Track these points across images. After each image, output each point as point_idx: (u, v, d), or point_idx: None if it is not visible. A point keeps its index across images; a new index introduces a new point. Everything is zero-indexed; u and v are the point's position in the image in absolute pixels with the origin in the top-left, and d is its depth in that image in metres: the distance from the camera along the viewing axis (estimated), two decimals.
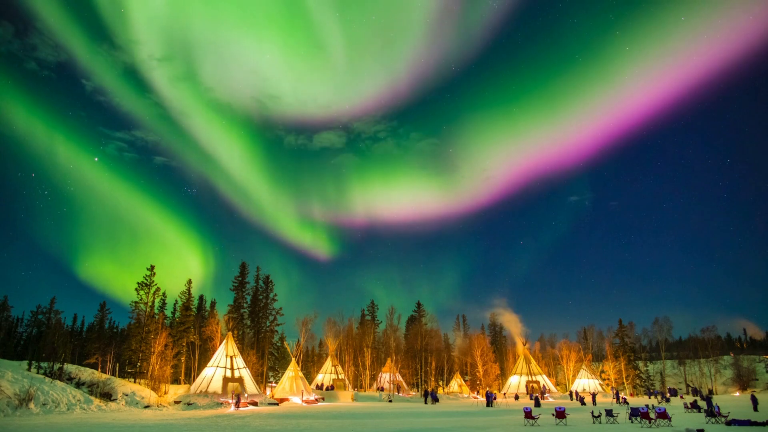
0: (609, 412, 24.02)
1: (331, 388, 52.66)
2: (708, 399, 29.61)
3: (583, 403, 43.20)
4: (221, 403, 34.04)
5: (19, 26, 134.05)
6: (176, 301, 50.47)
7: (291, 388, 42.83)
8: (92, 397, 30.60)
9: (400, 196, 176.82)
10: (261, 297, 53.56)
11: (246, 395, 36.55)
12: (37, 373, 31.90)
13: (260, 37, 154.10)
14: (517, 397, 55.11)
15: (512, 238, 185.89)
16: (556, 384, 69.38)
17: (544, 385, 59.77)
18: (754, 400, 29.97)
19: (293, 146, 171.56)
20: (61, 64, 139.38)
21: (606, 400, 52.49)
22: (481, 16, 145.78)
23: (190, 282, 49.82)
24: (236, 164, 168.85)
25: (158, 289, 42.11)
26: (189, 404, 33.69)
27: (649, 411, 22.13)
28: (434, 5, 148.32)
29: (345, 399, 47.39)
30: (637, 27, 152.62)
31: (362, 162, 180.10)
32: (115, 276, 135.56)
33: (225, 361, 38.48)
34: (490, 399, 41.69)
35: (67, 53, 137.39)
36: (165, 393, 37.07)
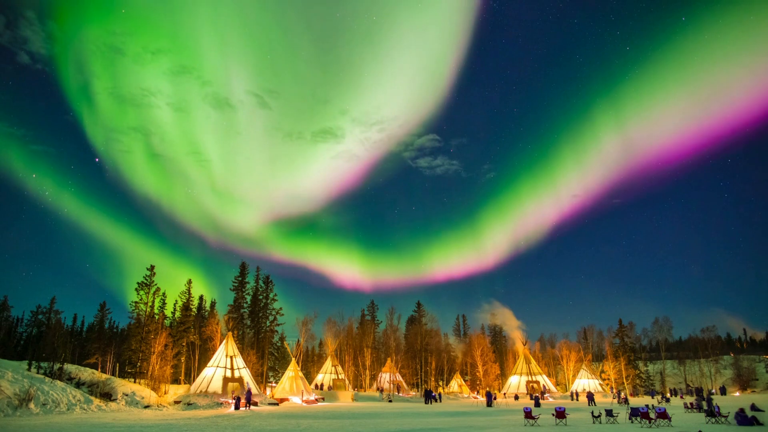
0: (609, 412, 24.01)
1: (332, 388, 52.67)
2: (708, 399, 29.56)
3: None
4: (221, 403, 34.04)
5: (10, 17, 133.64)
6: (176, 301, 50.51)
7: (291, 388, 42.81)
8: (92, 397, 30.59)
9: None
10: (261, 297, 53.55)
11: (247, 390, 36.46)
12: (37, 373, 31.89)
13: (260, 33, 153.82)
14: (517, 397, 55.12)
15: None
16: (556, 384, 69.40)
17: (544, 385, 59.78)
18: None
19: (293, 143, 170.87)
20: (54, 57, 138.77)
21: (607, 400, 52.51)
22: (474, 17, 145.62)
23: (190, 282, 49.87)
24: (236, 162, 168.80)
25: (158, 289, 42.17)
26: (189, 404, 33.68)
27: (649, 411, 22.12)
28: (430, 10, 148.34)
29: (345, 399, 47.39)
30: (639, 27, 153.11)
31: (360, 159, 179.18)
32: (115, 275, 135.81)
33: (225, 361, 38.48)
34: (490, 399, 41.71)
35: (60, 46, 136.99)
36: (165, 393, 37.06)
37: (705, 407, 28.23)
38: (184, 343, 46.47)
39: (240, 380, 38.17)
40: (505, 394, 59.84)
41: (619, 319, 71.24)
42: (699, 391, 51.29)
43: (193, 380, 41.48)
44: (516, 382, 61.89)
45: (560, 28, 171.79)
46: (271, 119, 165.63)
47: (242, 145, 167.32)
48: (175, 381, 45.23)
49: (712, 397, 36.46)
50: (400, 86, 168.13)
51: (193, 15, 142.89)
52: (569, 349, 71.02)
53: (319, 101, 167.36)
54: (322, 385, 53.20)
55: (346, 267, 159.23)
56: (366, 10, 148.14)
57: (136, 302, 40.79)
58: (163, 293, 46.71)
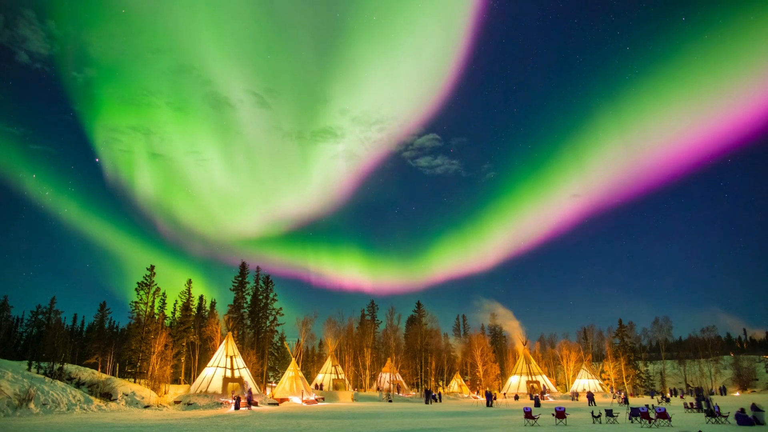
0: (609, 412, 24.02)
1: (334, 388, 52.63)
2: (707, 399, 29.59)
3: (592, 401, 43.09)
4: (221, 403, 34.04)
5: (9, 17, 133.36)
6: (176, 301, 50.52)
7: (291, 388, 42.83)
8: (92, 397, 30.60)
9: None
10: (261, 297, 53.55)
11: (248, 390, 36.47)
12: (37, 373, 31.90)
13: (260, 32, 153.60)
14: (517, 397, 55.14)
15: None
16: (556, 384, 69.41)
17: (544, 385, 59.78)
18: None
19: (292, 142, 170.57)
20: (53, 56, 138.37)
21: (607, 400, 52.52)
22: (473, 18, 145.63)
23: (190, 282, 49.85)
24: (235, 161, 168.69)
25: (158, 289, 42.17)
26: (189, 404, 33.68)
27: (649, 411, 22.13)
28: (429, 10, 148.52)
29: (345, 399, 47.40)
30: (639, 27, 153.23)
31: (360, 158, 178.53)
32: (115, 275, 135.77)
33: (225, 361, 38.48)
34: (489, 399, 41.71)
35: (60, 45, 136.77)
36: (165, 393, 37.06)
37: (705, 407, 28.22)
38: (184, 343, 46.47)
39: (240, 380, 38.18)
40: (505, 394, 59.83)
41: (619, 319, 71.39)
42: (699, 391, 51.30)
43: (193, 380, 41.48)
44: (516, 382, 61.87)
45: (560, 28, 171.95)
46: (270, 118, 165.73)
47: (242, 144, 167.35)
48: (175, 381, 45.24)
49: (711, 397, 36.50)
50: (400, 86, 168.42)
51: (192, 14, 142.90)
52: (569, 349, 71.04)
53: (319, 101, 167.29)
54: (322, 385, 53.19)
55: (346, 267, 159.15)
56: (366, 10, 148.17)
57: (136, 302, 40.81)
58: (163, 293, 46.76)
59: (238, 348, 41.55)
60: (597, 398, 51.14)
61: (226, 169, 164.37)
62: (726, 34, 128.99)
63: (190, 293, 49.31)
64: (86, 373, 35.94)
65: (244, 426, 20.60)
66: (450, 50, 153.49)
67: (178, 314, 49.70)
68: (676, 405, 39.93)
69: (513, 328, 72.34)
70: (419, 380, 63.00)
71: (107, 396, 32.39)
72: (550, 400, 54.13)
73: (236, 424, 21.69)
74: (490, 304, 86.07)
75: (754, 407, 21.48)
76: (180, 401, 34.61)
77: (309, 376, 63.32)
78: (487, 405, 41.16)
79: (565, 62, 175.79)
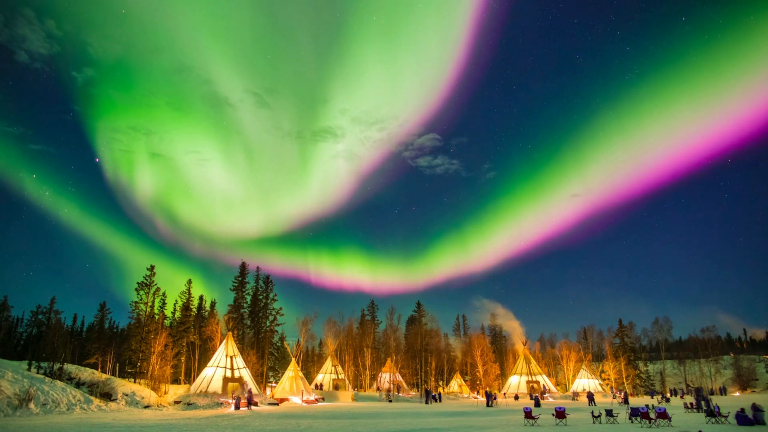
0: (609, 412, 24.02)
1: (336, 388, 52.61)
2: (707, 399, 29.60)
3: (592, 401, 43.07)
4: (221, 403, 34.04)
5: (8, 16, 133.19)
6: (176, 301, 50.52)
7: (291, 388, 42.83)
8: (92, 397, 30.59)
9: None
10: (261, 297, 53.56)
11: (248, 390, 36.45)
12: (37, 373, 31.90)
13: (259, 31, 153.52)
14: (517, 397, 55.14)
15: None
16: (556, 384, 69.40)
17: (544, 385, 59.78)
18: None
19: (292, 142, 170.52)
20: (53, 56, 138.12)
21: (607, 400, 52.51)
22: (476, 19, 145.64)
23: (190, 282, 49.85)
24: (234, 160, 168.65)
25: (158, 289, 42.17)
26: (189, 404, 33.67)
27: (649, 411, 22.13)
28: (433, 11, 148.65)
29: (345, 399, 47.39)
30: (639, 27, 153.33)
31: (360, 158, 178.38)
32: (115, 276, 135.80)
33: (225, 361, 38.48)
34: (489, 399, 41.70)
35: (60, 44, 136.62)
36: (165, 393, 37.06)
37: (705, 407, 28.23)
38: (184, 343, 46.47)
39: (240, 380, 38.18)
40: (505, 394, 59.82)
41: (619, 319, 71.39)
42: (699, 391, 51.24)
43: (193, 380, 41.48)
44: (516, 382, 61.87)
45: (560, 27, 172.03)
46: (270, 118, 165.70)
47: (242, 144, 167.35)
48: (175, 381, 45.23)
49: (711, 397, 36.49)
50: (400, 85, 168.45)
51: (192, 14, 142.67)
52: (569, 349, 71.04)
53: (319, 100, 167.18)
54: (322, 385, 53.20)
55: (346, 267, 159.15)
56: (366, 10, 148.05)
57: (136, 302, 40.82)
58: (163, 293, 46.77)
59: (238, 348, 41.55)
60: (597, 398, 51.16)
61: (226, 169, 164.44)
62: (726, 34, 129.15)
63: (190, 293, 49.33)
64: (86, 373, 35.94)
65: (244, 426, 20.59)
66: (450, 50, 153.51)
67: (178, 314, 49.69)
68: (676, 405, 39.93)
69: (513, 328, 72.46)
70: (419, 380, 62.97)
71: (107, 396, 32.39)
72: (550, 400, 54.12)
73: (236, 424, 21.69)
74: (490, 304, 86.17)
75: (755, 407, 21.48)
76: (180, 401, 34.61)
77: (309, 376, 63.31)
78: (487, 405, 41.17)
79: (565, 62, 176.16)
